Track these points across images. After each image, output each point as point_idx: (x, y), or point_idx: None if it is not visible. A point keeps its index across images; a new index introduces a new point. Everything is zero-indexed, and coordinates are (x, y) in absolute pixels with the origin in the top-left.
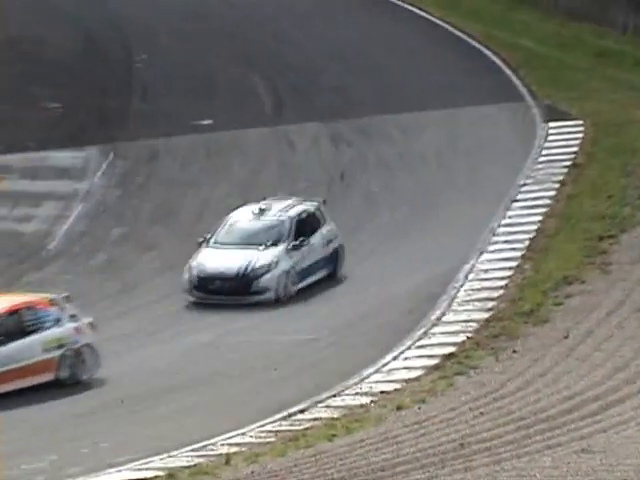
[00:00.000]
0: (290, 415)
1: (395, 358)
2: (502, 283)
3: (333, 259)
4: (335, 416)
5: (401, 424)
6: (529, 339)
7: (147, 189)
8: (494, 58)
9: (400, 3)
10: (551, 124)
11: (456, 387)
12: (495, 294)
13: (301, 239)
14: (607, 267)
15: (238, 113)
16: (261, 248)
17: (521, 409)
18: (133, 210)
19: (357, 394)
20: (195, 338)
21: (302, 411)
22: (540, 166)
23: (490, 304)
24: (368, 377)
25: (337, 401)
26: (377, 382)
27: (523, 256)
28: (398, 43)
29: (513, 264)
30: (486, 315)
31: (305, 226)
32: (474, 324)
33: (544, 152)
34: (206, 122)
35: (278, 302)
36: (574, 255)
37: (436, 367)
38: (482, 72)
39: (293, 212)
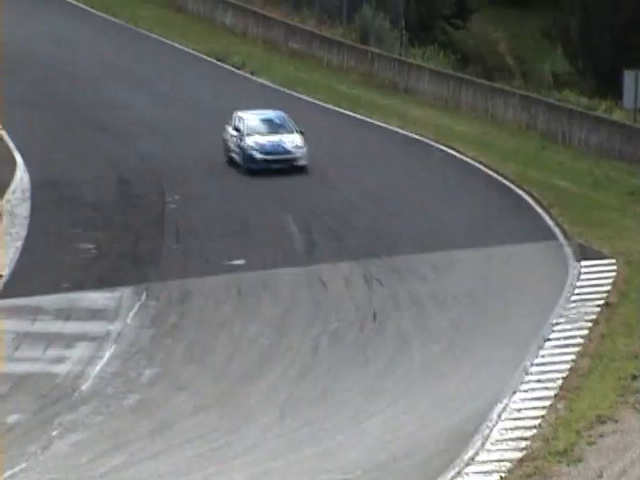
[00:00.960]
0: None
1: None
2: (535, 422)
3: None
4: None
5: None
6: (563, 479)
7: (180, 329)
8: (527, 197)
9: (434, 144)
10: (583, 263)
11: None
12: (528, 433)
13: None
14: None
15: (270, 253)
16: None
17: None
18: (166, 350)
19: None
20: (228, 479)
21: None
22: (573, 305)
23: (523, 444)
24: None
25: None
26: None
27: (556, 395)
28: (432, 182)
29: (546, 403)
30: (519, 454)
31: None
32: (507, 464)
33: (577, 291)
34: (238, 262)
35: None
36: (607, 394)
37: None
38: (515, 211)
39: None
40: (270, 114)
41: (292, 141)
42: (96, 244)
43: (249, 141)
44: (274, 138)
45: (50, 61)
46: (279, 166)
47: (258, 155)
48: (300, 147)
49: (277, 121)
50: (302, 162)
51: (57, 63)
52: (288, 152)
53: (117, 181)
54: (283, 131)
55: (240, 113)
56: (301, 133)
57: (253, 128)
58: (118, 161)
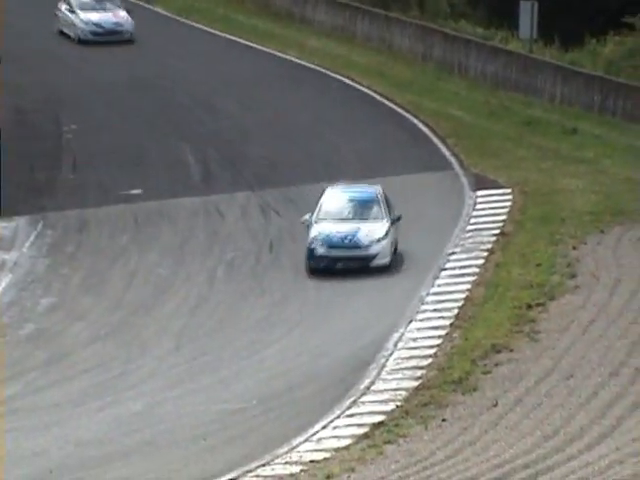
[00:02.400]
0: None
1: (324, 427)
2: (431, 352)
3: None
4: None
5: None
6: (458, 408)
7: (76, 259)
8: (423, 127)
9: (329, 73)
10: (479, 193)
11: (385, 456)
12: (424, 362)
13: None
14: (536, 335)
15: (167, 183)
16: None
17: (450, 477)
18: (62, 280)
19: (287, 463)
20: (124, 409)
21: None
22: (468, 234)
23: (419, 373)
24: (297, 446)
25: (267, 470)
26: (306, 451)
27: (452, 324)
28: (327, 112)
29: (442, 333)
30: (415, 384)
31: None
32: (403, 392)
33: (472, 221)
34: (135, 192)
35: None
36: (503, 323)
37: (365, 436)
38: (411, 141)
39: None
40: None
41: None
42: None
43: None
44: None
45: None
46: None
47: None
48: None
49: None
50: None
51: None
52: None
53: (13, 110)
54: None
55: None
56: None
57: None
58: (15, 89)
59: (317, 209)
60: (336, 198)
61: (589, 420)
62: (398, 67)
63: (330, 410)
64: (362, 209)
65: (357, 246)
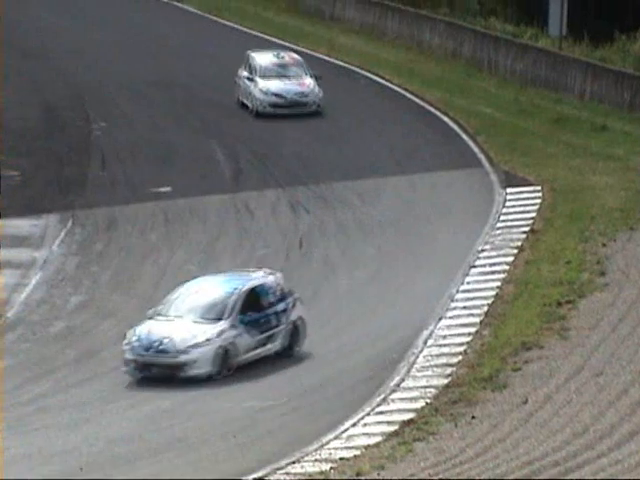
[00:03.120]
0: None
1: (354, 425)
2: (461, 349)
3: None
4: None
5: None
6: (488, 405)
7: (106, 256)
8: (452, 125)
9: (359, 71)
10: (509, 190)
11: (415, 453)
12: (454, 360)
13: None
14: (565, 333)
15: (197, 180)
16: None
17: (480, 475)
18: (92, 277)
19: (316, 461)
20: (154, 406)
21: (262, 479)
22: (498, 232)
23: (449, 370)
24: (327, 444)
25: (297, 468)
26: (336, 449)
27: (482, 322)
28: (357, 110)
29: (472, 330)
30: (445, 381)
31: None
32: (433, 390)
33: (502, 218)
34: (164, 189)
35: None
36: (532, 321)
37: (395, 433)
38: (441, 139)
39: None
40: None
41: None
42: (21, 171)
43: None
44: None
45: None
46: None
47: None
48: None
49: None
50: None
51: None
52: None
53: (42, 107)
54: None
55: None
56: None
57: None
58: (44, 87)
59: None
60: (186, 290)
61: (619, 417)
62: (428, 64)
63: (360, 407)
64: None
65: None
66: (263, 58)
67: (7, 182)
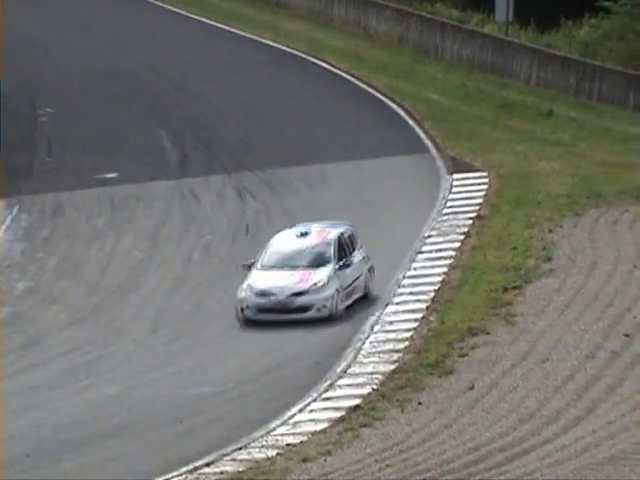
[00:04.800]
0: (196, 468)
1: (301, 410)
2: (407, 335)
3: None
4: (241, 469)
5: (307, 476)
6: (434, 391)
7: (52, 242)
8: (399, 110)
9: (306, 57)
10: (455, 176)
11: (362, 439)
12: (400, 346)
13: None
14: (512, 318)
15: (143, 166)
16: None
17: (427, 461)
18: (38, 264)
19: (263, 447)
20: (101, 392)
21: (208, 464)
22: (445, 218)
23: (395, 356)
24: (274, 430)
25: (243, 454)
26: (283, 435)
27: (428, 308)
28: (303, 96)
29: (418, 316)
30: (391, 367)
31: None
32: (379, 376)
33: (449, 204)
34: (111, 175)
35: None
36: (479, 306)
37: (342, 419)
38: (387, 124)
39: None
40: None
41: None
42: None
43: None
44: None
45: None
46: None
47: None
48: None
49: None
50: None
51: None
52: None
53: None
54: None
55: None
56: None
57: None
58: None
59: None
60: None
61: (565, 403)
62: (375, 50)
63: (307, 393)
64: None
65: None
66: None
67: None
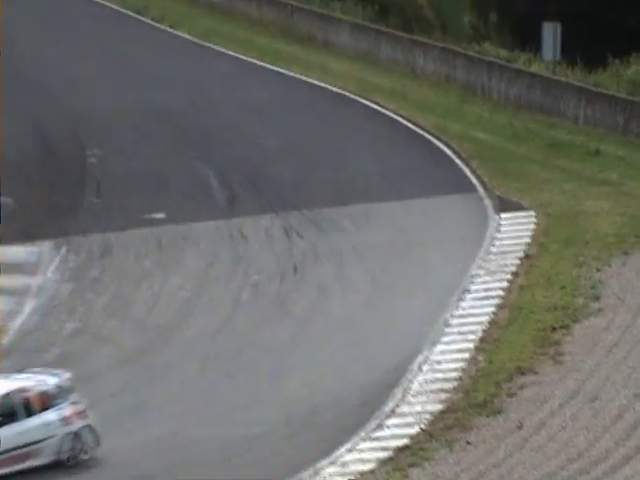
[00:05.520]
0: None
1: (349, 451)
2: (455, 374)
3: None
4: None
5: None
6: (483, 430)
7: (100, 283)
8: (446, 149)
9: (354, 97)
10: (503, 215)
11: (410, 479)
12: (449, 385)
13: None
14: (560, 358)
15: (191, 206)
16: None
17: None
18: (86, 304)
19: None
20: (149, 432)
21: None
22: (492, 257)
23: (444, 395)
24: (322, 470)
25: None
26: (331, 475)
27: (476, 347)
28: (350, 135)
29: (466, 355)
30: (440, 407)
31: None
32: (428, 416)
33: (496, 243)
34: (158, 216)
35: None
36: (527, 346)
37: (390, 459)
38: (434, 164)
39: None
40: None
41: None
42: (16, 199)
43: None
44: None
45: None
46: None
47: None
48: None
49: None
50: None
51: None
52: None
53: (37, 136)
54: None
55: None
56: None
57: None
58: (38, 116)
59: None
60: None
61: (614, 442)
62: (422, 90)
63: (355, 433)
64: None
65: None
66: None
67: (3, 210)
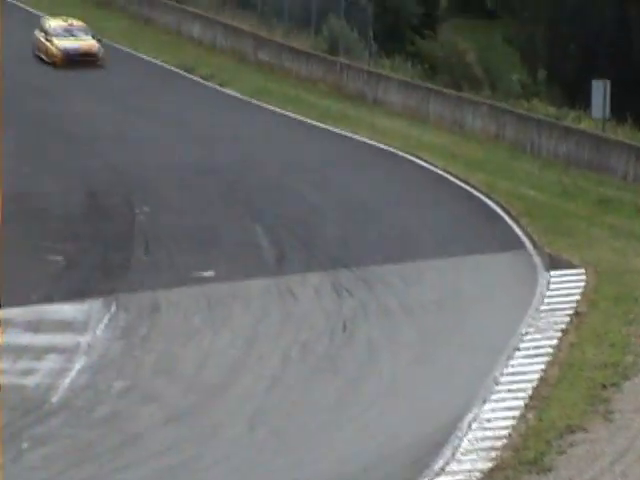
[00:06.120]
0: None
1: None
2: (505, 432)
3: None
4: None
5: None
6: None
7: (149, 340)
8: (495, 207)
9: (402, 154)
10: (553, 272)
11: None
12: (498, 443)
13: None
14: (610, 415)
15: (240, 264)
16: None
17: None
18: (136, 362)
19: None
20: None
21: None
22: (542, 314)
23: (494, 453)
24: None
25: None
26: None
27: (526, 405)
28: (398, 192)
29: (516, 413)
30: (490, 465)
31: None
32: (478, 474)
33: (546, 300)
34: (207, 274)
35: None
36: (577, 403)
37: None
38: (484, 221)
39: None
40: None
41: None
42: (65, 256)
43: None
44: None
45: (13, 75)
46: None
47: None
48: None
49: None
50: None
51: (21, 76)
52: None
53: (85, 193)
54: None
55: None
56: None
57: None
58: (87, 172)
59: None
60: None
61: None
62: (471, 147)
63: None
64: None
65: None
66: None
67: (52, 267)
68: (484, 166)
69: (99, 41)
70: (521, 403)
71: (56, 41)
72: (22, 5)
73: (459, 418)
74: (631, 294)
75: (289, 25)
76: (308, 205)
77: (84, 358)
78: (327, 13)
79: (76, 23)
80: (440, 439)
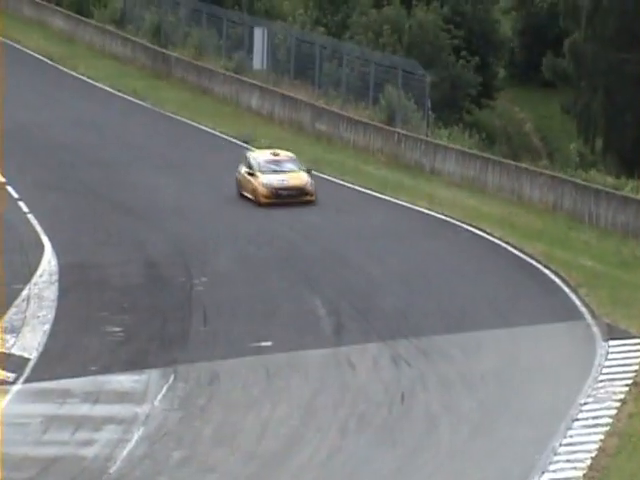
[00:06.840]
0: None
1: None
2: None
3: None
4: None
5: None
6: None
7: (208, 411)
8: (554, 277)
9: (460, 224)
10: (611, 342)
11: None
12: None
13: None
14: None
15: (298, 334)
16: None
17: None
18: (194, 432)
19: None
20: None
21: None
22: (601, 384)
23: None
24: None
25: None
26: None
27: (585, 475)
28: (457, 263)
29: None
30: None
31: None
32: None
33: (604, 371)
34: (265, 344)
35: None
36: (637, 474)
37: None
38: (542, 291)
39: None
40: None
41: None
42: (123, 327)
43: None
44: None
45: (74, 144)
46: None
47: None
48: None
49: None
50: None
51: (82, 147)
52: None
53: (144, 264)
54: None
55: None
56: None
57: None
58: (145, 244)
59: None
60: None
61: None
62: (529, 217)
63: None
64: None
65: None
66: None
67: (110, 338)
68: (542, 236)
69: (309, 172)
70: (580, 474)
71: (260, 176)
72: (67, 70)
73: None
74: None
75: (346, 95)
76: (366, 275)
77: (142, 429)
78: (384, 83)
79: (283, 154)
80: None
